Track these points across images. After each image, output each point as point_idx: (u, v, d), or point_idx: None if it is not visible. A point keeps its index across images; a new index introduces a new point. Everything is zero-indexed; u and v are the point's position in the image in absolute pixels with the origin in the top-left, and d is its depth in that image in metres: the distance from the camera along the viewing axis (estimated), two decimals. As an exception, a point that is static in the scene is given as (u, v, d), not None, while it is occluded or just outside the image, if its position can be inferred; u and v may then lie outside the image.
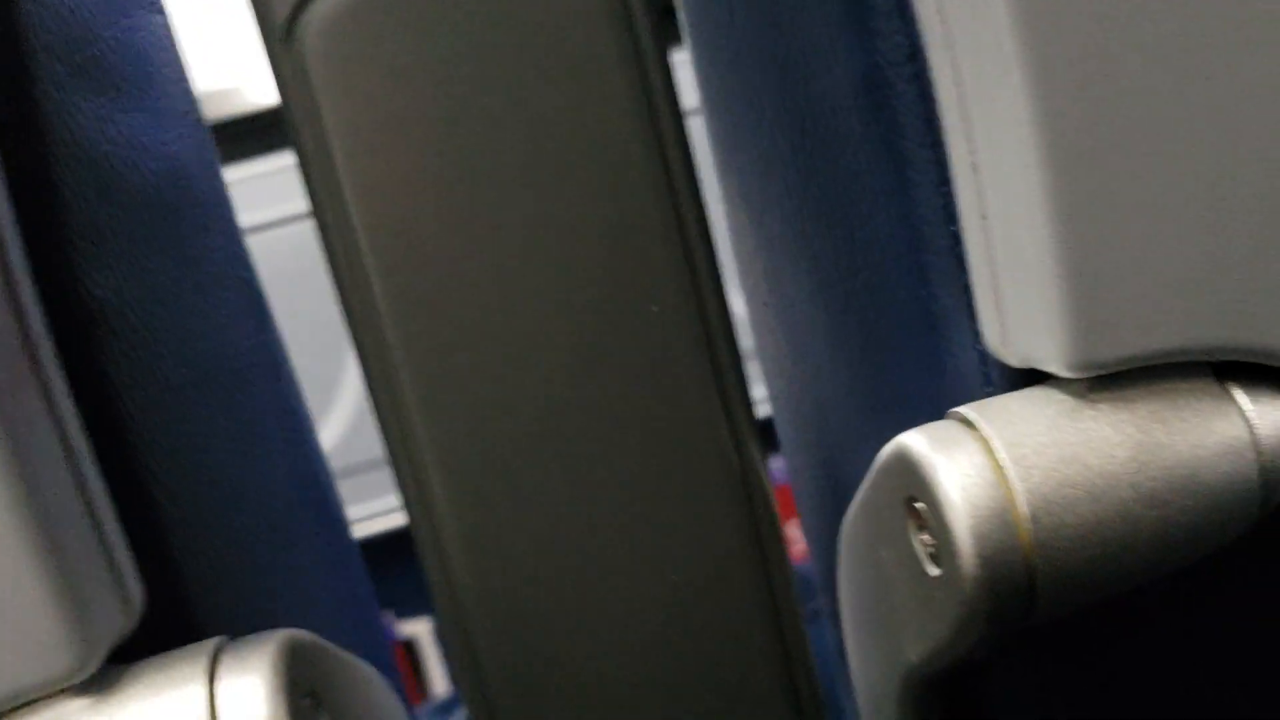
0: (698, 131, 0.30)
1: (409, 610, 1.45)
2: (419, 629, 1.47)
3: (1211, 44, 0.24)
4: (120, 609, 0.25)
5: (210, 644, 0.25)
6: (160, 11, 0.32)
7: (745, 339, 0.30)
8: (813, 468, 0.38)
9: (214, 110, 1.14)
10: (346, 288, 0.26)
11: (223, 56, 1.15)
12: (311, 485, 0.36)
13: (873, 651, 0.34)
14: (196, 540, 0.29)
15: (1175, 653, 0.31)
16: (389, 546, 0.91)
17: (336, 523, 0.37)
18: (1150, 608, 0.30)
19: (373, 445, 1.15)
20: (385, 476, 1.04)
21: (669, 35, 0.27)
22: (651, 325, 0.26)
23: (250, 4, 0.25)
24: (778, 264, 0.34)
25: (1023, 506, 0.25)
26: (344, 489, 0.42)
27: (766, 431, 0.31)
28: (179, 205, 0.31)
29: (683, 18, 0.37)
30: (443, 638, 0.28)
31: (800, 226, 0.32)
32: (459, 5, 0.25)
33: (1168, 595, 0.30)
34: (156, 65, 0.31)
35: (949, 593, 0.26)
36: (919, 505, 0.26)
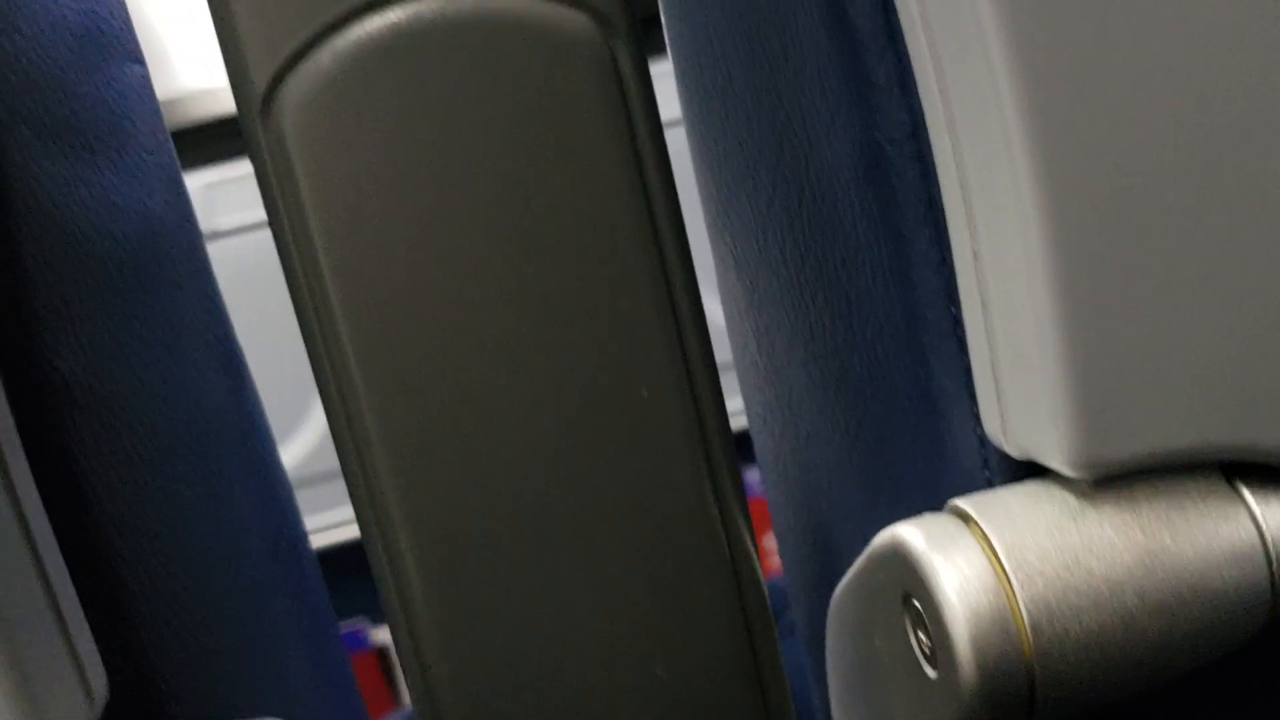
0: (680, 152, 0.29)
1: (382, 618, 1.44)
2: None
3: (1224, 144, 0.23)
4: (82, 701, 0.24)
5: None
6: (139, 61, 0.31)
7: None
8: (800, 532, 0.37)
9: (207, 108, 1.12)
10: (323, 369, 0.25)
11: (215, 52, 1.13)
12: (284, 543, 0.35)
13: (862, 729, 0.33)
14: (166, 617, 0.28)
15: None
16: (359, 555, 0.89)
17: (309, 577, 0.36)
18: (1153, 711, 0.29)
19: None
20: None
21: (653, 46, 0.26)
22: (642, 407, 0.26)
23: (228, 74, 0.24)
24: (770, 327, 0.33)
25: (1024, 614, 0.24)
26: (324, 493, 0.41)
27: (742, 443, 0.30)
28: (152, 266, 0.30)
29: (674, 65, 0.36)
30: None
31: (797, 295, 0.31)
32: (444, 79, 0.24)
33: (1171, 697, 0.29)
34: (133, 119, 0.30)
35: (946, 697, 0.25)
36: (916, 604, 0.26)
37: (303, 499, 0.39)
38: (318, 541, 0.41)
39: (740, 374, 0.38)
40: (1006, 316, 0.25)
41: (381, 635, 1.46)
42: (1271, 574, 0.24)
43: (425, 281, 0.24)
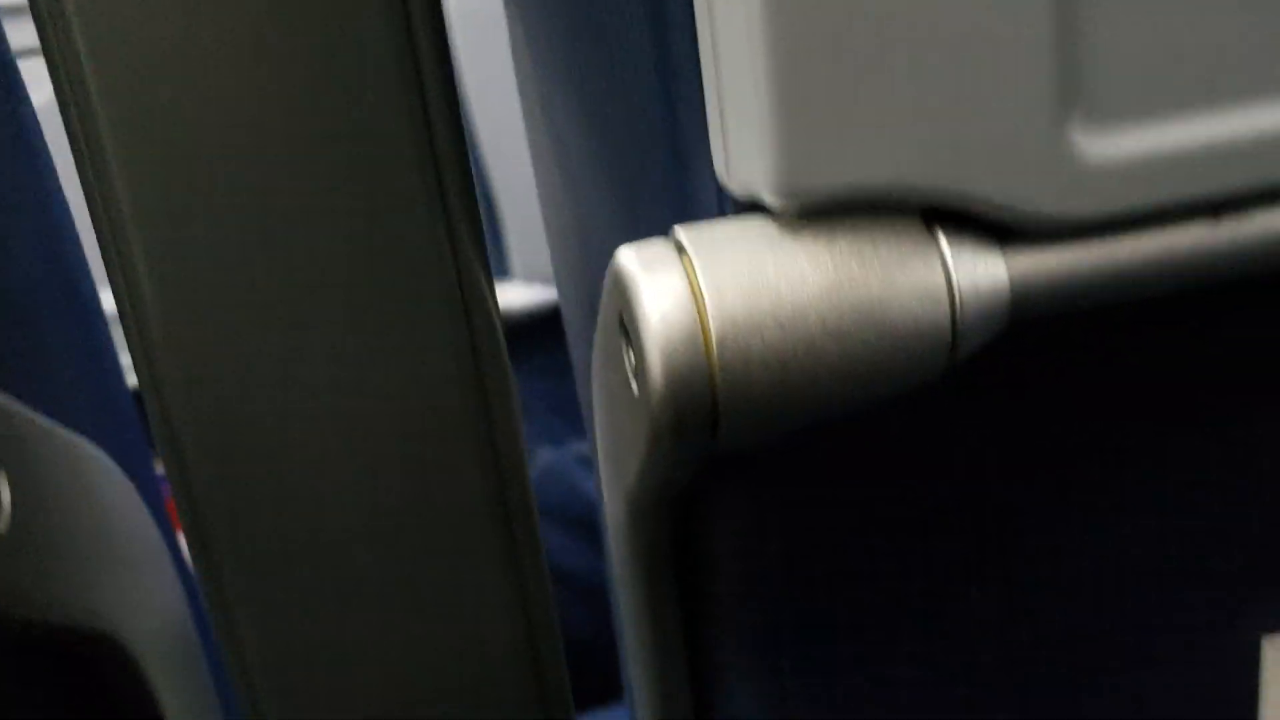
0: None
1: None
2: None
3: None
4: None
5: None
6: None
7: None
8: (577, 300, 0.38)
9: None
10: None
11: None
12: (59, 261, 0.36)
13: (609, 478, 0.35)
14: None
15: (890, 500, 0.32)
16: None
17: (90, 310, 0.37)
18: (869, 456, 0.31)
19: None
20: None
21: None
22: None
23: None
24: (551, 87, 0.34)
25: (712, 328, 0.25)
26: None
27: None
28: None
29: None
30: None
31: (569, 45, 0.32)
32: None
33: (887, 444, 0.31)
34: None
35: (642, 409, 0.26)
36: (625, 324, 0.27)
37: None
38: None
39: (533, 153, 0.39)
40: (729, 49, 0.25)
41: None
42: (953, 316, 0.26)
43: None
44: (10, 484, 0.26)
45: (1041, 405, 0.31)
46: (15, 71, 0.34)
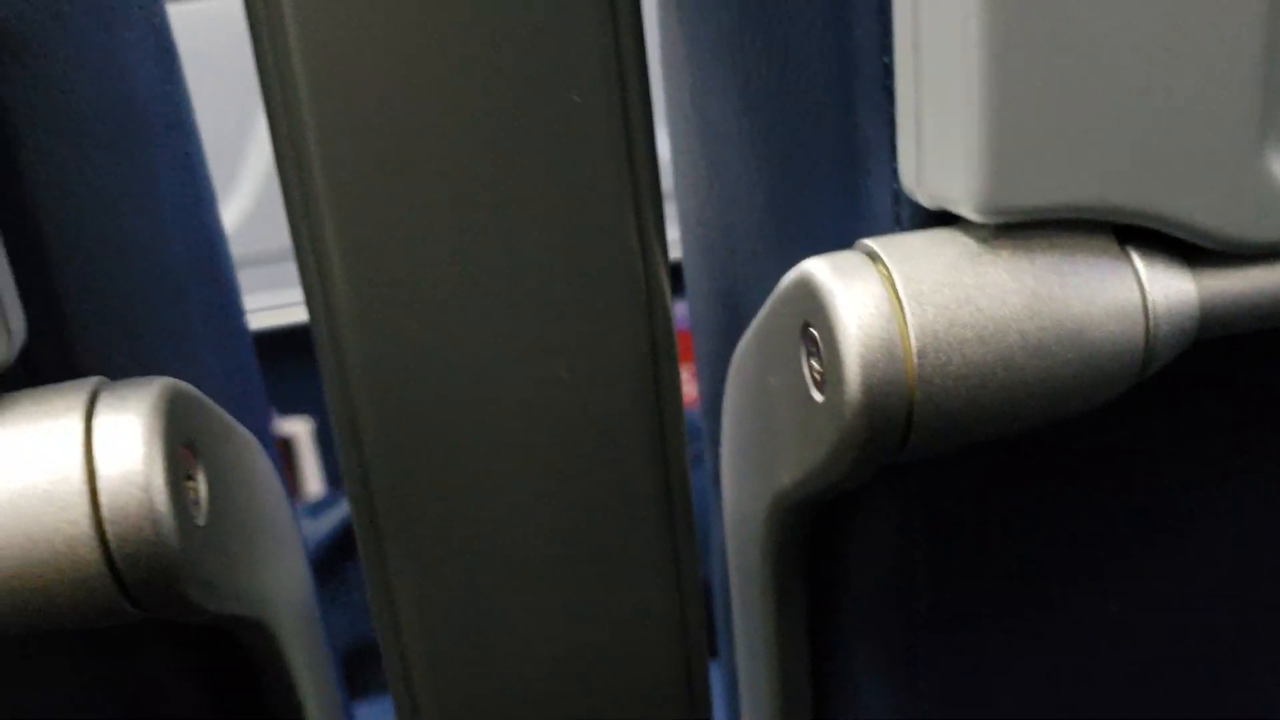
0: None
1: (289, 408, 1.45)
2: (298, 428, 1.47)
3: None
4: (2, 335, 0.25)
5: (90, 382, 0.25)
6: None
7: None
8: (714, 295, 0.38)
9: None
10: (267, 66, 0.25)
11: None
12: (204, 248, 0.35)
13: (748, 476, 0.35)
14: (83, 281, 0.28)
15: (1038, 506, 0.32)
16: (275, 342, 0.90)
17: (227, 289, 0.37)
18: (1022, 463, 0.31)
19: (266, 237, 1.12)
20: (276, 270, 1.02)
21: None
22: (571, 118, 0.26)
23: None
24: (707, 78, 0.34)
25: (912, 341, 0.25)
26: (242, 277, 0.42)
27: (674, 275, 0.31)
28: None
29: None
30: (333, 423, 0.27)
31: (734, 40, 0.32)
32: None
33: (1040, 453, 0.31)
34: None
35: (829, 418, 0.26)
36: (813, 331, 0.27)
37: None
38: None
39: (672, 137, 0.39)
40: (936, 58, 0.25)
41: (287, 426, 1.47)
42: (1147, 334, 0.26)
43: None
44: (206, 478, 0.26)
45: (1195, 418, 0.31)
46: (169, 38, 0.34)
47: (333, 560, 1.14)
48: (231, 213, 1.30)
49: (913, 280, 0.25)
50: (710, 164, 0.35)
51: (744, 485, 0.35)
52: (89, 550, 0.23)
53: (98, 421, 0.24)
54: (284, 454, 1.48)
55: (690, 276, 0.40)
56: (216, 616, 0.28)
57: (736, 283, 0.36)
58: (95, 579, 0.24)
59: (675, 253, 0.41)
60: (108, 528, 0.23)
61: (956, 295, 0.25)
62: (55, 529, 0.23)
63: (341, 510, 1.21)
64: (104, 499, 0.23)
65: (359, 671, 0.99)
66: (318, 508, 1.27)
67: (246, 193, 1.31)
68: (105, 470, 0.23)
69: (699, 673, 0.31)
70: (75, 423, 0.24)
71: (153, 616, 0.26)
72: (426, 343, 0.26)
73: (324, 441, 1.48)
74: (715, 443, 0.40)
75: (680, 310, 0.46)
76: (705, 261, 0.38)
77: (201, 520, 0.26)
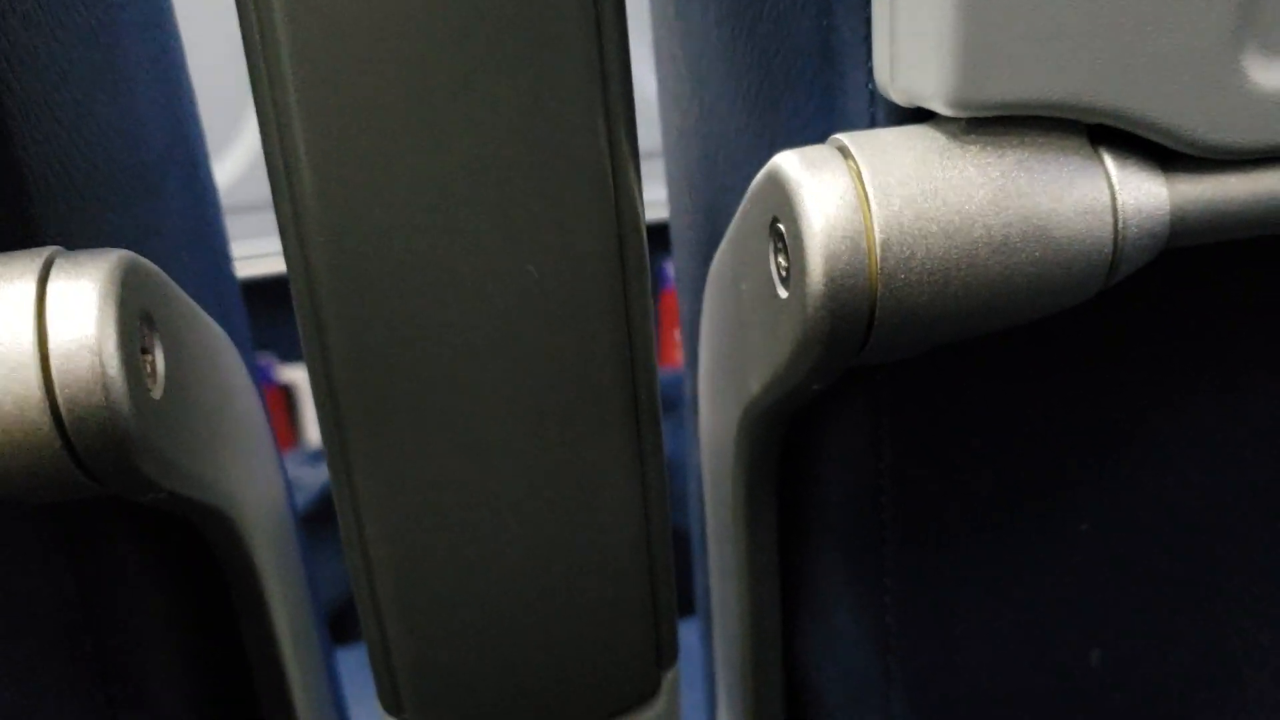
0: None
1: (291, 355, 1.45)
2: (299, 376, 1.47)
3: None
4: None
5: (46, 250, 0.25)
6: None
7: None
8: (695, 210, 0.38)
9: None
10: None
11: None
12: (182, 146, 0.35)
13: (722, 392, 0.35)
14: (53, 164, 0.28)
15: (1006, 419, 0.32)
16: (275, 289, 0.90)
17: (204, 189, 0.37)
18: (992, 376, 0.31)
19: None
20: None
21: None
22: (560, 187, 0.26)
23: None
24: (689, -13, 0.33)
25: (876, 232, 0.25)
26: (234, 227, 0.42)
27: (660, 234, 0.31)
28: None
29: None
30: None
31: (715, -55, 0.31)
32: None
33: (1010, 365, 0.31)
34: None
35: (793, 313, 0.26)
36: (780, 226, 0.27)
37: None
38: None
39: (656, 49, 0.38)
40: (909, -49, 0.25)
41: (288, 373, 1.47)
42: (1116, 235, 0.26)
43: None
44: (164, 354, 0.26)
45: (1167, 330, 0.31)
46: None
47: (329, 510, 1.14)
48: (235, 159, 1.30)
49: (880, 173, 0.25)
50: (692, 72, 0.35)
51: (717, 402, 0.35)
52: (38, 414, 0.23)
53: (52, 286, 0.24)
54: (285, 401, 1.49)
55: (672, 195, 0.40)
56: (174, 499, 0.28)
57: (717, 195, 0.35)
58: (46, 445, 0.24)
59: (663, 213, 0.41)
60: (58, 392, 0.23)
61: (924, 188, 0.25)
62: (6, 390, 0.23)
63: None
64: (55, 362, 0.23)
65: (352, 623, 0.99)
66: (316, 457, 1.27)
67: (250, 142, 1.31)
68: (57, 334, 0.23)
69: (662, 563, 0.31)
70: (29, 286, 0.24)
71: (108, 492, 0.26)
72: (393, 234, 0.26)
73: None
74: (694, 366, 0.40)
75: (672, 269, 0.46)
76: (686, 175, 0.38)
77: (157, 394, 0.25)
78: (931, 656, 0.34)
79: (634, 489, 0.30)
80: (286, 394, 1.48)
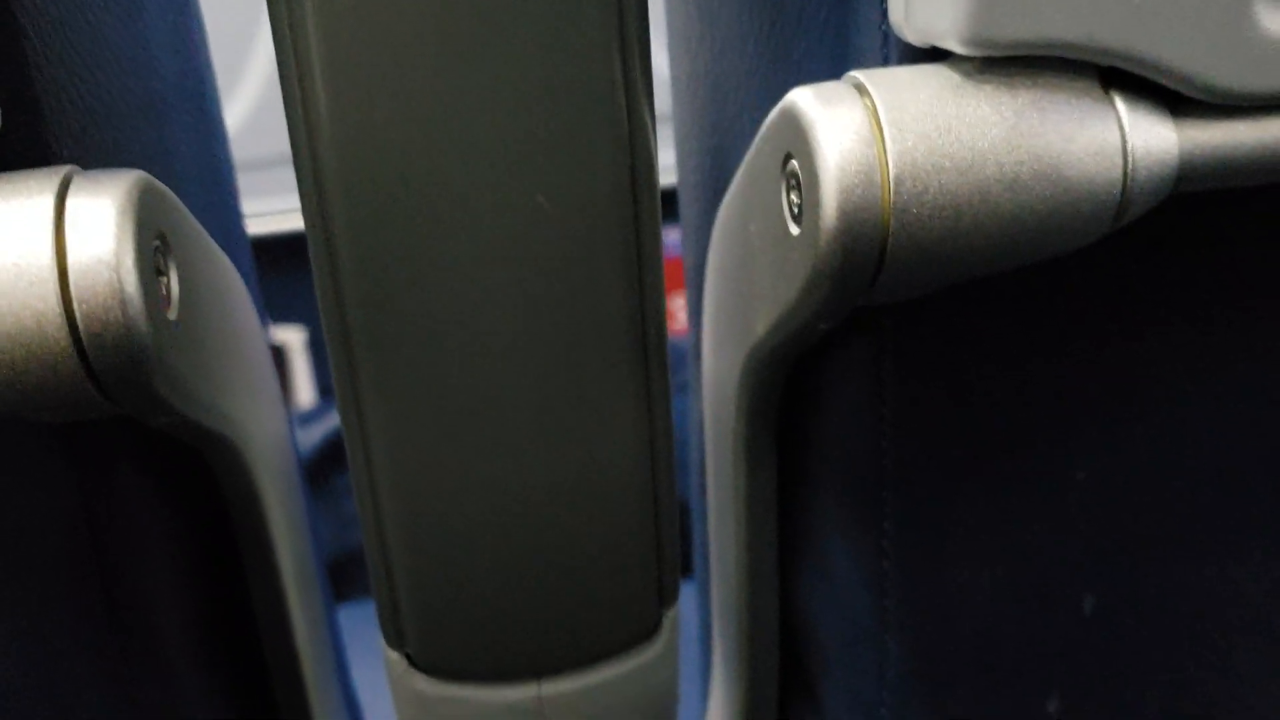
0: None
1: (283, 316, 1.45)
2: (291, 337, 1.47)
3: None
4: None
5: (64, 168, 0.25)
6: None
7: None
8: (703, 154, 0.38)
9: None
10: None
11: None
12: (192, 79, 0.35)
13: (725, 334, 0.35)
14: (63, 83, 0.28)
15: (1009, 366, 0.32)
16: (271, 249, 0.90)
17: (213, 123, 0.37)
18: (996, 321, 0.31)
19: (266, 142, 1.11)
20: (274, 176, 1.02)
21: None
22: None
23: None
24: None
25: (890, 168, 0.25)
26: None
27: (668, 202, 0.31)
28: None
29: None
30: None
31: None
32: None
33: (1014, 311, 0.31)
34: None
35: (805, 249, 0.26)
36: (794, 163, 0.27)
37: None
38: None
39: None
40: (928, -112, 0.25)
41: (280, 334, 1.47)
42: (1125, 176, 0.26)
43: None
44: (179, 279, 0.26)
45: (1173, 279, 0.31)
46: None
47: (322, 470, 1.14)
48: (233, 115, 1.30)
49: (895, 108, 0.25)
50: (702, 13, 0.35)
51: (722, 348, 0.36)
52: (56, 329, 0.23)
53: (71, 204, 0.24)
54: (276, 362, 1.48)
55: (679, 139, 0.40)
56: (185, 423, 0.28)
57: (725, 138, 0.36)
58: (63, 361, 0.24)
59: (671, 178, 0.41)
60: (76, 308, 0.23)
61: (937, 124, 0.25)
62: (24, 304, 0.23)
63: (331, 420, 1.21)
64: (73, 278, 0.23)
65: (344, 581, 1.00)
66: (308, 418, 1.27)
67: (248, 96, 1.30)
68: (75, 250, 0.23)
69: (666, 500, 0.31)
70: (47, 202, 0.24)
71: (120, 412, 0.26)
72: (406, 162, 0.26)
73: (317, 352, 1.48)
74: (697, 314, 0.40)
75: (673, 236, 0.46)
76: (696, 118, 0.38)
77: (173, 314, 0.26)
78: (928, 601, 0.35)
79: (640, 426, 0.30)
80: (278, 354, 1.48)
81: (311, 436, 1.18)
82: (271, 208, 1.17)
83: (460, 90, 0.26)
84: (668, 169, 0.40)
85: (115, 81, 0.31)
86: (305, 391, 1.51)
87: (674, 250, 0.43)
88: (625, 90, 0.27)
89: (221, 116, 0.38)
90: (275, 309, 1.43)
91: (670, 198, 0.42)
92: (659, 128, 0.29)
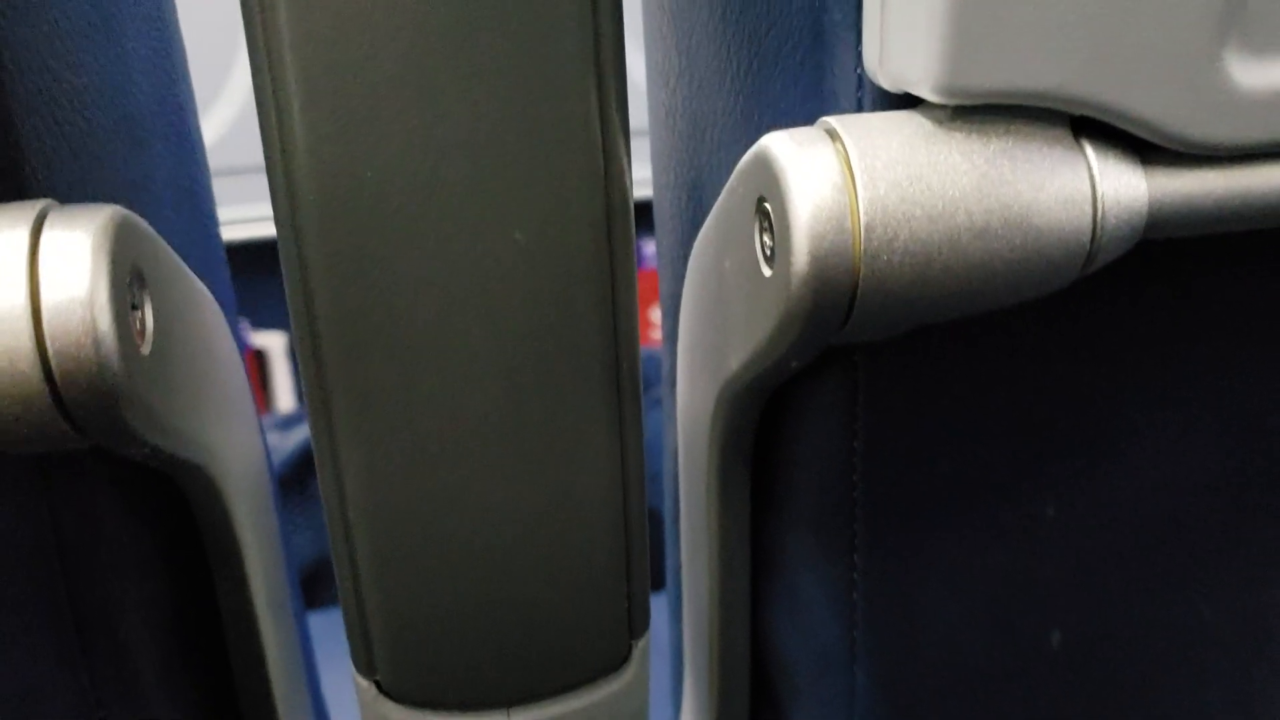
0: None
1: (263, 321, 1.45)
2: (272, 341, 1.47)
3: None
4: None
5: (40, 202, 0.25)
6: None
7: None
8: (679, 188, 0.38)
9: None
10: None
11: None
12: (171, 103, 0.35)
13: (700, 365, 0.35)
14: (41, 111, 0.28)
15: (980, 404, 0.32)
16: (250, 255, 0.90)
17: (191, 146, 0.37)
18: (968, 360, 0.31)
19: (247, 150, 1.10)
20: (248, 183, 1.01)
21: None
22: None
23: None
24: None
25: (861, 214, 0.25)
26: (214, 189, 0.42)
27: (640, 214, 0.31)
28: None
29: None
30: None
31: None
32: None
33: (985, 351, 0.31)
34: None
35: (777, 291, 0.27)
36: (767, 206, 0.27)
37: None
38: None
39: (646, 26, 0.39)
40: (903, -63, 0.25)
41: (261, 338, 1.47)
42: (1095, 225, 0.26)
43: None
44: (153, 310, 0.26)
45: (1140, 322, 0.32)
46: None
47: (299, 476, 1.14)
48: (213, 125, 1.29)
49: (867, 156, 0.26)
50: (681, 50, 0.35)
51: (696, 378, 0.36)
52: (29, 366, 0.24)
53: (45, 239, 0.24)
54: (257, 367, 1.48)
55: (657, 172, 0.40)
56: (158, 453, 0.28)
57: (701, 173, 0.36)
58: (35, 397, 0.24)
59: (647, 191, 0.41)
60: (49, 345, 0.24)
61: (909, 172, 0.25)
62: (-4, 341, 0.23)
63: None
64: (46, 316, 0.23)
65: (323, 587, 0.99)
66: (287, 423, 1.27)
67: (231, 102, 1.30)
68: (49, 286, 0.24)
69: (638, 531, 0.31)
70: (22, 237, 0.24)
71: (93, 444, 0.26)
72: (382, 196, 0.26)
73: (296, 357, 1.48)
74: (673, 341, 0.40)
75: (652, 248, 0.46)
76: (672, 152, 0.38)
77: (146, 349, 0.26)
78: (896, 632, 0.35)
79: (613, 457, 0.30)
80: (259, 359, 1.48)
81: (291, 441, 1.18)
82: (258, 213, 1.17)
83: (437, 126, 0.26)
84: (644, 182, 0.41)
85: (93, 106, 0.31)
86: (285, 396, 1.51)
87: (652, 262, 0.43)
88: (602, 128, 0.27)
89: (201, 140, 0.38)
90: (257, 314, 1.43)
91: (648, 210, 0.42)
92: (634, 141, 0.29)
